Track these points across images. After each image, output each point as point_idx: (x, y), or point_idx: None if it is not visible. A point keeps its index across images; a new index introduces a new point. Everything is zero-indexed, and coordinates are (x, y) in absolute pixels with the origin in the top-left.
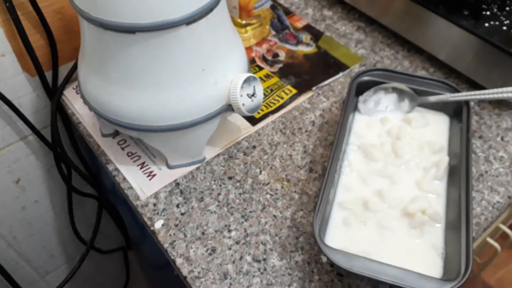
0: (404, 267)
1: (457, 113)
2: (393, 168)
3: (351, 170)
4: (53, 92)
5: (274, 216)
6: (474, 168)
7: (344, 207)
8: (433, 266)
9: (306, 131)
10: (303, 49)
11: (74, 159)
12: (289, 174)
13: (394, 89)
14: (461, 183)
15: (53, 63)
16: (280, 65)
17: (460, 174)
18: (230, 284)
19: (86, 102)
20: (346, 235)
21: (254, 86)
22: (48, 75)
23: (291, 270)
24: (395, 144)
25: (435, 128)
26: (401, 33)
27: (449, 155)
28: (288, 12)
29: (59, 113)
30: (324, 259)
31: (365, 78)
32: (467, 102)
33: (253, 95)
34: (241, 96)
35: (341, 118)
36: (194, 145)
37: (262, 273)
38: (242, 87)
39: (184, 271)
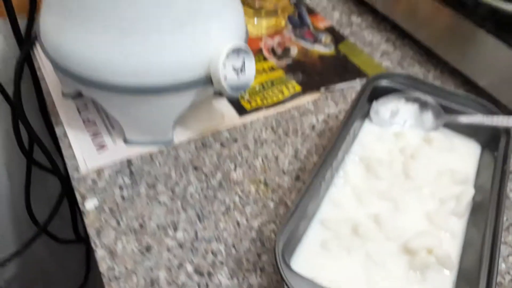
0: None
1: (492, 142)
2: (399, 192)
3: (346, 183)
4: (25, 40)
5: (238, 223)
6: (505, 215)
7: (326, 226)
8: None
9: (303, 134)
10: (319, 49)
11: (41, 129)
12: (269, 178)
13: (417, 101)
14: (487, 224)
15: (30, 7)
16: (289, 61)
17: (487, 213)
18: None
19: (41, 45)
20: (322, 262)
21: (243, 59)
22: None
23: None
24: (407, 164)
25: (461, 156)
26: (437, 51)
27: (475, 189)
28: (311, 11)
29: (30, 69)
30: None
31: (384, 83)
32: (508, 131)
33: (241, 70)
34: (224, 66)
35: (345, 118)
36: (158, 120)
37: None
38: (227, 57)
39: (103, 266)
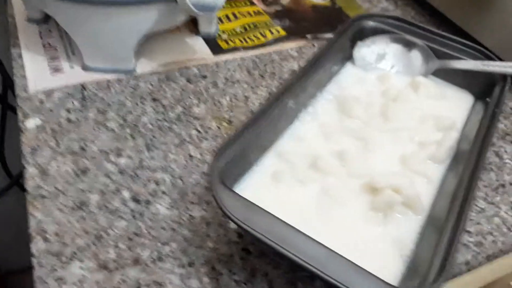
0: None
1: (486, 94)
2: (373, 133)
3: (314, 119)
4: None
5: (190, 156)
6: (494, 175)
7: (282, 157)
8: (387, 267)
9: (280, 78)
10: None
11: None
12: (234, 116)
13: (406, 44)
14: (465, 168)
15: None
16: (278, 7)
17: (469, 162)
18: (81, 217)
19: None
20: (270, 194)
21: None
22: None
23: (178, 226)
24: (387, 106)
25: (450, 104)
26: (442, 11)
27: (461, 137)
28: None
29: None
30: (233, 226)
31: (371, 23)
32: (504, 77)
33: None
34: None
35: (318, 53)
36: (118, 43)
37: (134, 217)
38: None
39: (30, 184)
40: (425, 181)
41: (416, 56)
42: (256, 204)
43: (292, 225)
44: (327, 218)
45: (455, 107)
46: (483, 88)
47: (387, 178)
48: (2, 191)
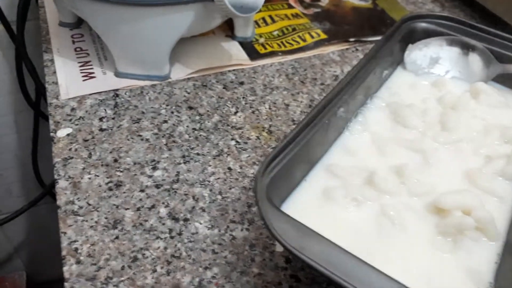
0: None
1: None
2: (432, 144)
3: (365, 129)
4: None
5: (229, 169)
6: None
7: (333, 172)
8: None
9: (322, 84)
10: (354, 0)
11: None
12: (274, 125)
13: (465, 47)
14: None
15: None
16: (317, 10)
17: None
18: (116, 237)
19: None
20: (321, 213)
21: None
22: None
23: (219, 247)
24: (446, 115)
25: None
26: (497, 12)
27: None
28: None
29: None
30: (279, 248)
31: (423, 24)
32: None
33: None
34: None
35: (367, 56)
36: (152, 45)
37: (172, 237)
38: None
39: (62, 199)
40: (496, 201)
41: (475, 60)
42: (311, 228)
43: (353, 253)
44: (388, 243)
45: None
46: None
47: (454, 198)
48: (35, 201)
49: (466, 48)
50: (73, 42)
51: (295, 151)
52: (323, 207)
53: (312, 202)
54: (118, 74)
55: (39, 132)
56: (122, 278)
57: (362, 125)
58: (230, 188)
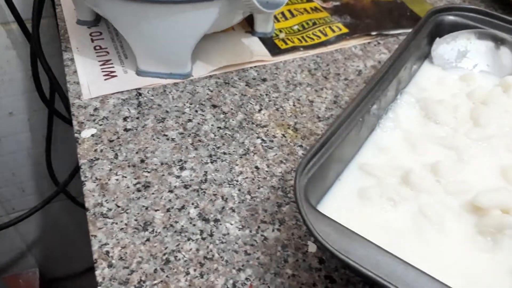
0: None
1: None
2: (465, 140)
3: (396, 126)
4: None
5: (257, 168)
6: None
7: (367, 171)
8: None
9: (346, 79)
10: None
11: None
12: (300, 122)
13: (494, 40)
14: None
15: None
16: (336, 3)
17: None
18: (147, 240)
19: None
20: (357, 214)
21: None
22: None
23: (251, 249)
24: (477, 110)
25: None
26: None
27: None
28: None
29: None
30: (312, 248)
31: (451, 17)
32: None
33: None
34: None
35: (397, 51)
36: (175, 43)
37: (203, 238)
38: None
39: (90, 201)
40: None
41: (504, 53)
42: (354, 230)
43: (396, 255)
44: (426, 243)
45: None
46: None
47: (492, 196)
48: (49, 199)
49: (495, 41)
50: (92, 40)
51: (331, 151)
52: (359, 208)
53: (347, 203)
54: (139, 73)
55: (53, 131)
56: (155, 281)
57: (393, 122)
58: (258, 188)
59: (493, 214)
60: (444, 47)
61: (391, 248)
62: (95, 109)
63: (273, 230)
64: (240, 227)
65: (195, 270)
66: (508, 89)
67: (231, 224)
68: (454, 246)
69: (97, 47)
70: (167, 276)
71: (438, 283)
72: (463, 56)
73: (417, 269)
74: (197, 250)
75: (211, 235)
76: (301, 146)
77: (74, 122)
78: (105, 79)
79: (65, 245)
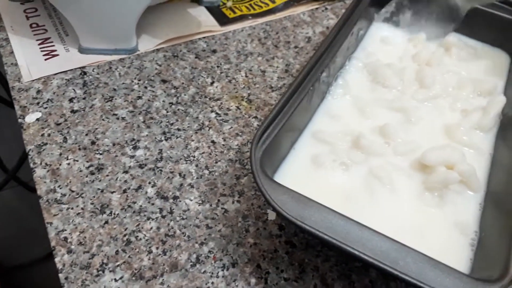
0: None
1: None
2: (412, 102)
3: (345, 93)
4: None
5: (213, 142)
6: None
7: (319, 138)
8: (454, 254)
9: (296, 47)
10: None
11: None
12: (253, 93)
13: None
14: None
15: None
16: None
17: None
18: (106, 222)
19: None
20: (312, 180)
21: None
22: None
23: (212, 222)
24: (422, 71)
25: (487, 65)
26: None
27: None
28: None
29: None
30: (272, 216)
31: None
32: None
33: None
34: None
35: (343, 16)
36: (117, 16)
37: (164, 217)
38: None
39: (42, 188)
40: (474, 153)
41: (445, 15)
42: (308, 197)
43: (349, 216)
44: (378, 202)
45: (492, 67)
46: None
47: (437, 154)
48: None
49: (437, 3)
50: (27, 17)
51: (284, 121)
52: (313, 174)
53: (302, 170)
54: (82, 50)
55: None
56: (118, 263)
57: (343, 88)
58: (216, 162)
59: (438, 171)
60: (387, 10)
61: (345, 211)
62: (38, 92)
63: (233, 202)
64: (200, 202)
65: (157, 248)
66: (449, 50)
67: (191, 200)
68: (405, 204)
69: (34, 25)
70: (129, 257)
71: (390, 240)
72: (407, 19)
73: (370, 229)
74: (158, 228)
75: (171, 212)
76: (256, 117)
77: (16, 107)
78: (46, 59)
79: (22, 232)
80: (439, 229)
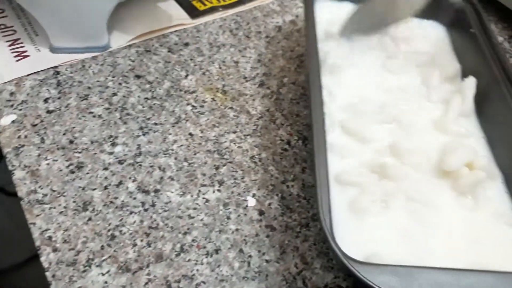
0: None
1: (457, 19)
2: (399, 108)
3: (332, 123)
4: None
5: (191, 134)
6: None
7: (344, 182)
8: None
9: (267, 36)
10: None
11: None
12: (228, 84)
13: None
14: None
15: None
16: None
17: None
18: (89, 219)
19: None
20: (359, 231)
21: None
22: None
23: (194, 212)
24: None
25: (430, 44)
26: None
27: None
28: None
29: None
30: (252, 203)
31: None
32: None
33: None
34: None
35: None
36: (88, 14)
37: (146, 210)
38: None
39: (22, 190)
40: (474, 141)
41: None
42: (400, 265)
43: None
44: (431, 225)
45: (434, 44)
46: (452, 14)
47: (455, 157)
48: None
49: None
50: None
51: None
52: (359, 224)
53: (347, 226)
54: (54, 50)
55: None
56: (104, 257)
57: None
58: (195, 154)
59: (463, 173)
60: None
61: (411, 249)
62: (11, 94)
63: (213, 192)
64: (181, 193)
65: (141, 240)
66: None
67: (172, 192)
68: (451, 216)
69: (2, 26)
70: (114, 251)
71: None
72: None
73: (472, 271)
74: (141, 221)
75: (153, 205)
76: (231, 108)
77: None
78: (17, 60)
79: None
80: (486, 227)
